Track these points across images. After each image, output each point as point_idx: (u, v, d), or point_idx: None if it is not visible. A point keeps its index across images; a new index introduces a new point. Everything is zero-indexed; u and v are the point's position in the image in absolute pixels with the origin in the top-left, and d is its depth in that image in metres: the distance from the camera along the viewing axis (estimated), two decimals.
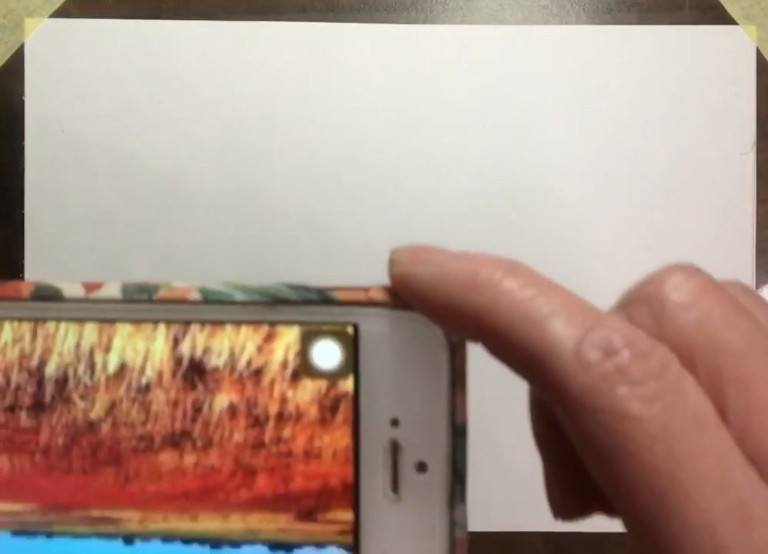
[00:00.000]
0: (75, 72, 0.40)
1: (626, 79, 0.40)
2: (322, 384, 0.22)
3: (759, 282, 0.41)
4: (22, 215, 0.40)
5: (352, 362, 0.22)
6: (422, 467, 0.22)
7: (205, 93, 0.39)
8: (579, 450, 0.17)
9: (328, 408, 0.22)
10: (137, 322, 0.22)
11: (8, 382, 0.23)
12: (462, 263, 0.18)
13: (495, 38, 0.40)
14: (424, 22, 0.41)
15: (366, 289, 0.21)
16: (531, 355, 0.17)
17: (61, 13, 0.40)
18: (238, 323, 0.22)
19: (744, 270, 0.41)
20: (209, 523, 0.23)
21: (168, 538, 0.23)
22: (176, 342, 0.22)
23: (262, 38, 0.40)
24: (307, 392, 0.22)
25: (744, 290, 0.18)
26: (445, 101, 0.39)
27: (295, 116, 0.39)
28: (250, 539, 0.23)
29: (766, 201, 0.40)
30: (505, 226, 0.39)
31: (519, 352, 0.17)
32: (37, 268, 0.39)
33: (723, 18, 0.41)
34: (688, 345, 0.16)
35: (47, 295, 0.22)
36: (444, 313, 0.18)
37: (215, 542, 0.23)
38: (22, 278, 0.39)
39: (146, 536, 0.23)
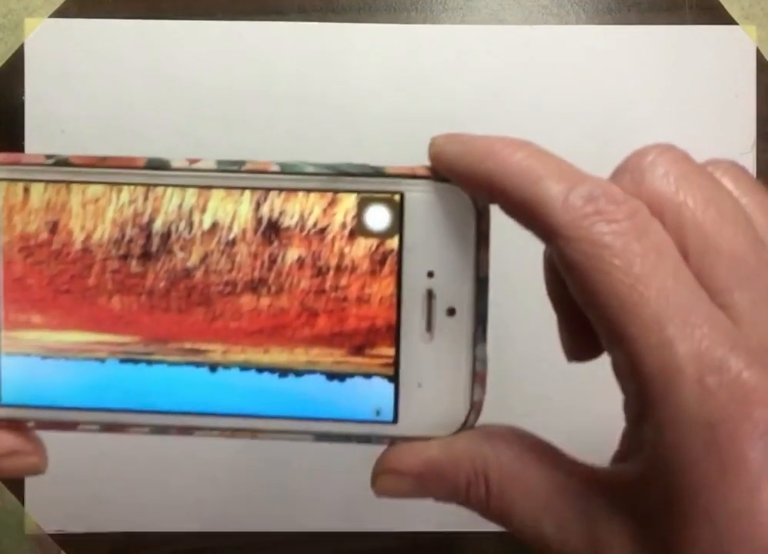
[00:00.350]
0: (75, 72, 0.40)
1: (625, 79, 0.40)
2: (373, 242, 0.27)
3: None
4: None
5: (398, 224, 0.27)
6: (451, 312, 0.27)
7: (205, 93, 0.39)
8: (565, 277, 0.21)
9: (377, 262, 0.27)
10: (227, 188, 0.27)
11: (122, 235, 0.27)
12: (482, 141, 0.23)
13: (495, 38, 0.41)
14: (424, 22, 0.41)
15: (412, 167, 0.26)
16: (531, 207, 0.22)
17: (61, 13, 0.40)
18: (308, 191, 0.27)
19: None
20: (278, 356, 0.27)
21: (244, 367, 0.27)
22: (258, 206, 0.27)
23: (262, 38, 0.40)
24: (360, 248, 0.27)
25: (732, 165, 0.23)
26: (445, 101, 0.39)
27: (295, 116, 0.39)
28: (310, 370, 0.27)
29: None
30: (504, 224, 0.39)
31: (521, 206, 0.22)
32: None
33: (723, 17, 0.41)
34: (659, 202, 0.21)
35: (157, 165, 0.27)
36: (467, 179, 0.24)
37: (282, 371, 0.27)
38: None
39: (227, 365, 0.27)
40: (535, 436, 0.25)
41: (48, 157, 0.27)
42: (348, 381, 0.27)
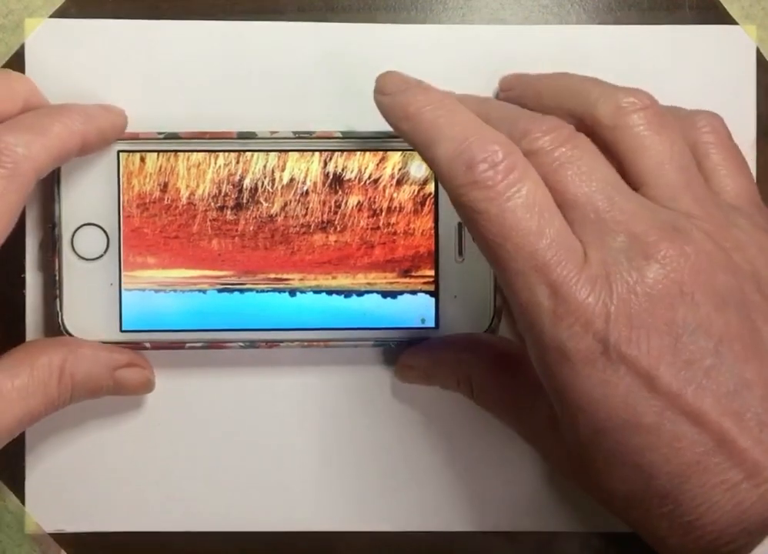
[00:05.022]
0: (75, 72, 0.40)
1: (625, 79, 0.40)
2: (415, 188, 0.35)
3: None
4: (22, 215, 0.40)
5: (433, 173, 0.34)
6: None
7: (204, 93, 0.40)
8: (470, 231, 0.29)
9: (419, 203, 0.35)
10: (301, 151, 0.35)
11: (219, 191, 0.35)
12: (402, 98, 0.29)
13: (495, 38, 0.41)
14: (424, 22, 0.41)
15: None
16: (432, 168, 0.28)
17: (61, 13, 0.40)
18: (364, 150, 0.35)
19: None
20: (343, 280, 0.35)
21: (317, 291, 0.35)
22: (325, 164, 0.35)
23: (261, 38, 0.40)
24: (405, 193, 0.35)
25: (713, 117, 0.34)
26: None
27: (295, 116, 0.39)
28: (369, 290, 0.35)
29: (766, 200, 0.40)
30: None
31: (430, 166, 0.29)
32: (37, 267, 0.39)
33: (723, 17, 0.42)
34: (612, 137, 0.31)
35: (246, 135, 0.35)
36: (398, 132, 0.30)
37: (346, 293, 0.35)
38: (23, 277, 0.40)
39: (303, 290, 0.35)
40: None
41: (160, 132, 0.35)
42: (399, 297, 0.34)
